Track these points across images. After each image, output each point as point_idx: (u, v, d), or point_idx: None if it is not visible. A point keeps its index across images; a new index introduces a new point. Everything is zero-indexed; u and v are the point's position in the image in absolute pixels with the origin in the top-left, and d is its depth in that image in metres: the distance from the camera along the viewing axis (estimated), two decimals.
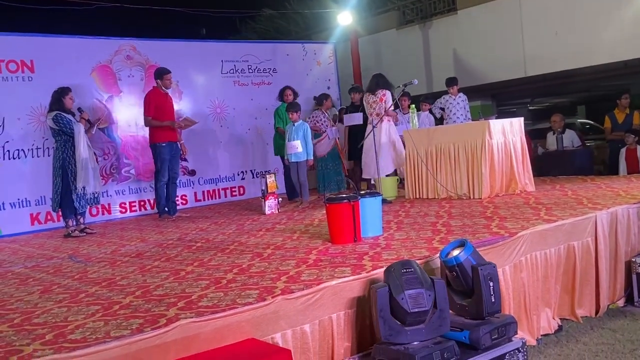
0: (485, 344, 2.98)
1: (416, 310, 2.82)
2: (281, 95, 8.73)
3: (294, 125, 7.45)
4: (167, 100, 7.65)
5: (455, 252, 3.19)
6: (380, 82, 7.41)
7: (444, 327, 2.94)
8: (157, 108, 7.46)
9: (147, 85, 8.81)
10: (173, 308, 2.99)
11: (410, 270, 2.93)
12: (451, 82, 8.95)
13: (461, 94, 8.93)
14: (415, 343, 2.83)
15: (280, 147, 8.32)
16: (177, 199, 8.27)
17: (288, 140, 7.48)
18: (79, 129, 6.60)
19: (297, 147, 7.35)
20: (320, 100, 8.96)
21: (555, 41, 10.11)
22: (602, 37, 9.46)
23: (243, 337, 2.80)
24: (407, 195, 7.14)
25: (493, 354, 3.00)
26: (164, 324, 2.68)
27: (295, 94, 8.65)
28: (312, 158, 7.55)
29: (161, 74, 7.57)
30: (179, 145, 7.74)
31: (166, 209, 7.64)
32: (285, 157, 7.72)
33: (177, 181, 7.88)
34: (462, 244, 3.25)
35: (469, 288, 3.15)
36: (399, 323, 2.84)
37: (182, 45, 9.44)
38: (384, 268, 3.10)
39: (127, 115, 8.72)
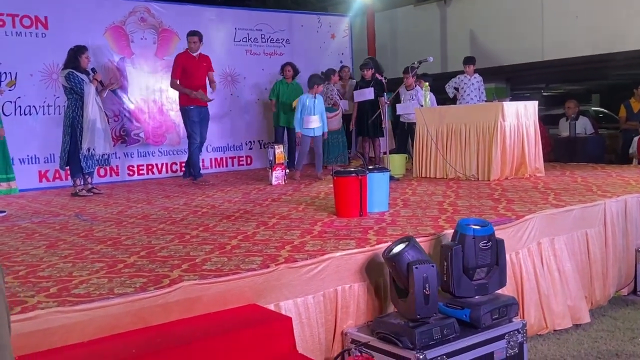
0: (485, 322, 2.99)
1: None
2: (282, 70, 8.92)
3: (315, 99, 7.42)
4: (198, 64, 7.53)
5: (478, 228, 3.20)
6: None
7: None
8: (184, 71, 7.40)
9: (160, 49, 8.76)
10: (177, 270, 3.00)
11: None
12: (469, 60, 8.86)
13: (476, 75, 8.84)
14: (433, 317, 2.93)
15: (280, 117, 8.84)
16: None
17: (307, 114, 7.43)
18: (89, 90, 6.56)
19: (316, 122, 7.38)
20: (328, 75, 8.91)
21: (575, 26, 9.93)
22: (625, 24, 9.29)
23: (245, 302, 2.82)
24: (414, 173, 7.12)
25: (492, 333, 3.00)
26: (167, 285, 2.70)
27: (295, 71, 8.79)
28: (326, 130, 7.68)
29: (187, 35, 7.50)
30: (207, 110, 7.74)
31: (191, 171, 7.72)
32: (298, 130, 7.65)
33: (204, 146, 7.89)
34: (481, 223, 3.25)
35: (492, 261, 3.17)
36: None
37: (196, 10, 9.31)
38: (406, 239, 3.03)
39: (139, 78, 8.67)
